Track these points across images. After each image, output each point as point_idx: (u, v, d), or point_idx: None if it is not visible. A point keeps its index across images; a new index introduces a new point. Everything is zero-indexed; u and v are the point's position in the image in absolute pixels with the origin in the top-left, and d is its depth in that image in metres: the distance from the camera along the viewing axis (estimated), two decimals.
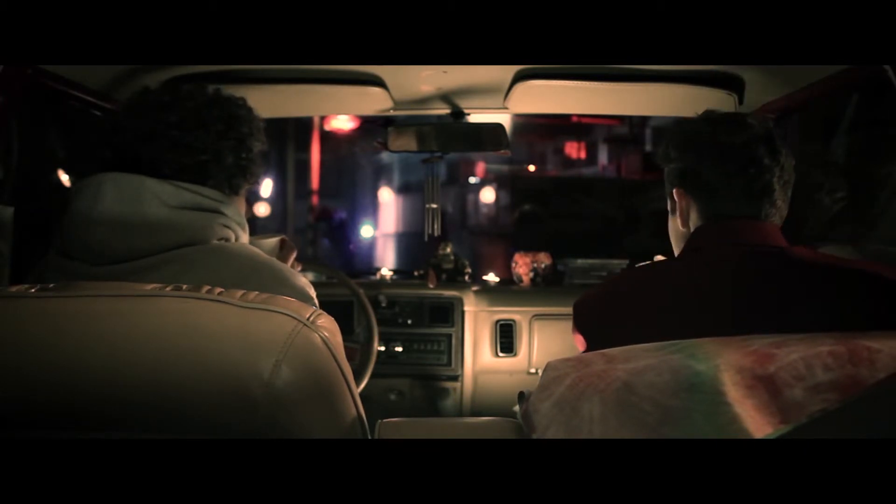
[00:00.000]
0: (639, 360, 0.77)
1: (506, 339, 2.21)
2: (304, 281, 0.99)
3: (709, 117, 1.17)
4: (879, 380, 0.68)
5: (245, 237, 1.04)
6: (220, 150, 0.99)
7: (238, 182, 1.03)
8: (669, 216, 1.21)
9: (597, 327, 1.08)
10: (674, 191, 1.14)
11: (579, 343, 1.12)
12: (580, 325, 1.11)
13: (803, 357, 0.72)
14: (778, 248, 1.03)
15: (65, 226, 0.92)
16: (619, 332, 0.97)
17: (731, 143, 1.08)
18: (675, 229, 1.17)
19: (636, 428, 0.72)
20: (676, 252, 1.21)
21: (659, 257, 1.33)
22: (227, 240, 0.98)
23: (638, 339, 0.83)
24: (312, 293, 0.99)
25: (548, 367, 0.81)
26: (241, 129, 1.02)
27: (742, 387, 0.72)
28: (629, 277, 1.20)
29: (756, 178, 1.06)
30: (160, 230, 0.91)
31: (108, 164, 0.95)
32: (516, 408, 0.85)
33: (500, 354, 2.21)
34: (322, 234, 7.87)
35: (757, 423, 0.70)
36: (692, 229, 1.12)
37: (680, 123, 1.21)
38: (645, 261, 1.30)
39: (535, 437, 0.77)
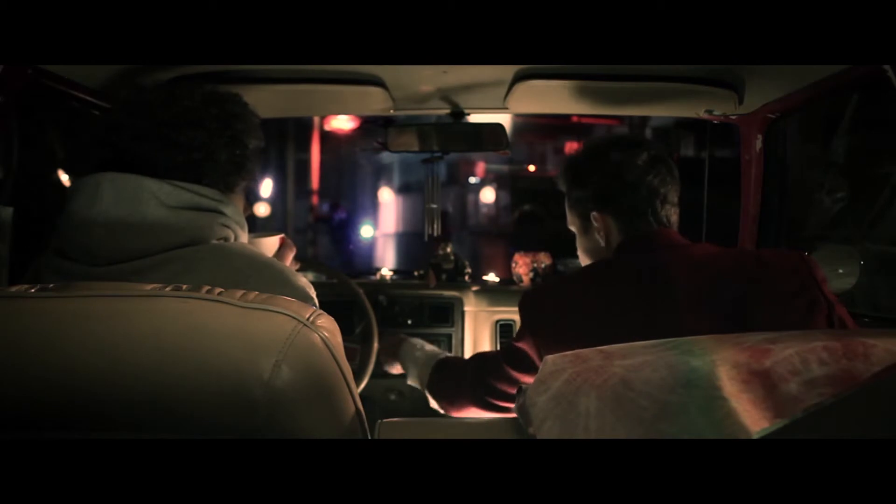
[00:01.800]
0: (636, 356, 0.77)
1: (506, 339, 2.21)
2: (305, 281, 0.99)
3: (608, 141, 1.33)
4: (875, 373, 0.68)
5: (244, 236, 1.04)
6: (214, 148, 0.98)
7: (233, 179, 1.02)
8: (581, 235, 1.36)
9: (546, 325, 1.22)
10: (593, 214, 1.29)
11: (525, 343, 1.26)
12: (528, 319, 1.26)
13: (798, 352, 0.73)
14: (684, 245, 1.22)
15: (62, 226, 0.92)
16: (564, 328, 1.17)
17: (636, 165, 1.25)
18: (592, 246, 1.33)
19: (632, 423, 0.72)
20: (589, 260, 1.36)
21: None
22: (227, 239, 0.98)
23: (585, 335, 0.97)
24: (313, 293, 0.98)
25: (546, 362, 0.81)
26: (236, 126, 1.01)
27: (738, 381, 0.72)
28: (570, 279, 1.37)
29: (658, 193, 1.25)
30: (159, 230, 0.90)
31: (104, 163, 0.95)
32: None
33: None
34: (322, 234, 7.88)
35: (753, 418, 0.70)
36: (612, 243, 1.27)
37: (583, 151, 1.36)
38: None
39: (531, 430, 0.77)
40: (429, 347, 1.69)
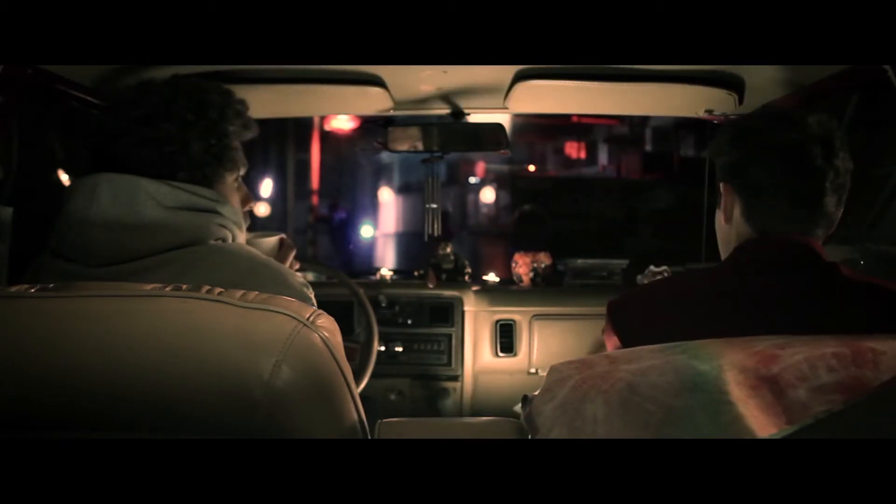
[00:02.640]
0: (642, 361, 0.77)
1: (506, 338, 2.21)
2: (303, 281, 0.99)
3: (765, 113, 1.16)
4: (884, 381, 0.68)
5: (242, 237, 1.03)
6: (187, 139, 0.96)
7: (213, 170, 1.00)
8: (717, 209, 1.17)
9: (630, 329, 1.05)
10: (721, 185, 1.11)
11: (611, 344, 1.08)
12: (616, 325, 1.08)
13: (807, 358, 0.72)
14: (819, 268, 1.00)
15: (60, 227, 0.92)
16: (651, 336, 0.93)
17: (782, 142, 1.04)
18: (719, 224, 1.15)
19: (639, 428, 0.72)
20: (720, 248, 1.18)
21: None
22: (224, 240, 0.97)
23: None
24: (311, 293, 0.98)
25: (551, 370, 0.81)
26: (210, 116, 0.99)
27: (746, 387, 0.72)
28: (668, 283, 1.19)
29: (805, 182, 1.02)
30: (156, 231, 0.90)
31: (93, 164, 0.95)
32: (517, 407, 0.85)
33: (500, 354, 2.21)
34: (322, 234, 7.88)
35: (761, 423, 0.70)
36: (734, 226, 1.10)
37: (736, 118, 1.21)
38: (644, 261, 1.30)
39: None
40: None
